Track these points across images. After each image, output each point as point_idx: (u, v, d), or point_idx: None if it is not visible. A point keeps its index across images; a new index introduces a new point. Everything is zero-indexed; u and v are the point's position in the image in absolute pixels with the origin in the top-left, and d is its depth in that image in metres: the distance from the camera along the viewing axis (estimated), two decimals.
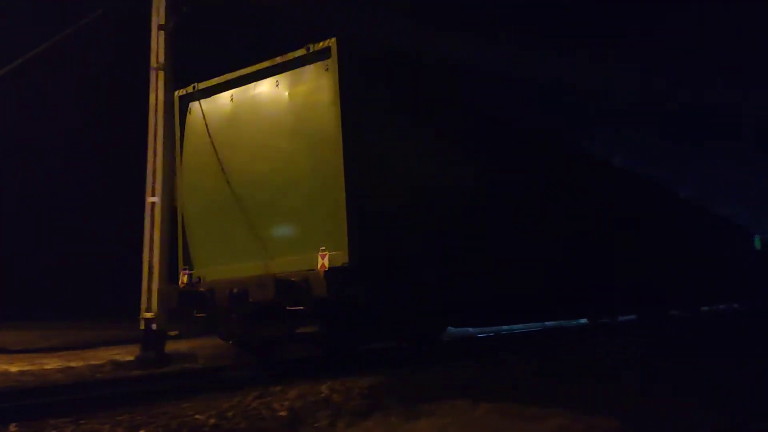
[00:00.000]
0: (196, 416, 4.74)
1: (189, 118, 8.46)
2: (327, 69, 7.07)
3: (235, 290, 6.96)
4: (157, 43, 9.41)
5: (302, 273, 6.76)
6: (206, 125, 8.18)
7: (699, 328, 15.49)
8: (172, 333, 9.77)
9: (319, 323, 6.89)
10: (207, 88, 8.33)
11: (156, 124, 9.23)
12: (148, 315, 8.77)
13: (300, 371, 6.71)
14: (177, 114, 8.62)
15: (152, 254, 8.95)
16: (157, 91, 9.27)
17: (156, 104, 9.25)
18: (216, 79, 8.24)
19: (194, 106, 8.43)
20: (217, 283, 7.47)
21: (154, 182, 9.14)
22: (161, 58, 9.32)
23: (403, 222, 7.52)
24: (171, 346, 9.62)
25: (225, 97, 8.11)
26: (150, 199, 9.13)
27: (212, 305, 7.38)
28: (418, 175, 7.86)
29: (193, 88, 8.44)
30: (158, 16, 9.44)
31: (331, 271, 6.57)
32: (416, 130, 8.10)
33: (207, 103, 8.29)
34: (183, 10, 9.44)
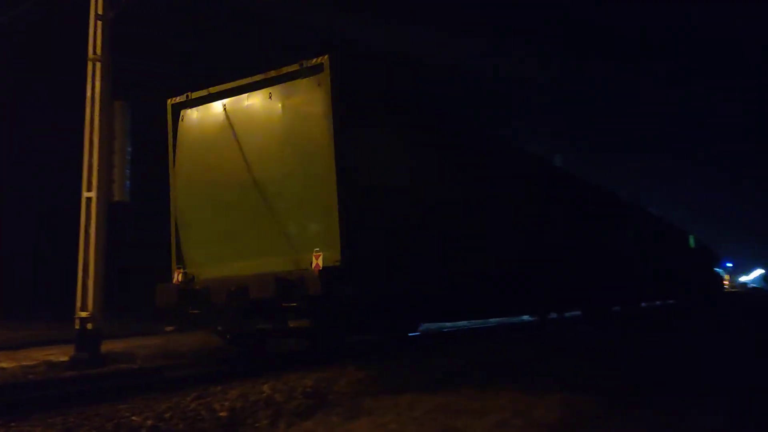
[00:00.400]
0: (133, 418, 4.61)
1: (181, 125, 8.81)
2: (319, 84, 7.60)
3: (234, 288, 7.34)
4: (95, 33, 9.08)
5: (297, 272, 7.20)
6: (199, 132, 8.67)
7: (637, 322, 16.20)
8: (169, 329, 10.35)
9: (311, 318, 7.45)
10: (200, 97, 8.72)
11: (92, 117, 8.92)
12: (83, 314, 8.47)
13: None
14: (170, 121, 8.93)
15: (88, 251, 8.65)
16: (94, 82, 8.96)
17: (93, 96, 8.95)
18: (209, 89, 8.63)
19: (186, 113, 8.81)
20: (212, 282, 7.87)
21: (90, 177, 8.84)
22: (98, 49, 9.01)
23: (386, 226, 8.09)
24: (107, 346, 9.34)
25: (218, 106, 8.52)
26: (86, 195, 8.82)
27: (208, 302, 7.72)
28: (400, 184, 8.49)
29: (186, 97, 8.80)
30: (96, 5, 9.11)
31: (325, 270, 7.07)
32: (400, 142, 8.74)
33: (200, 112, 8.70)
34: (123, 0, 9.17)
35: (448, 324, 12.84)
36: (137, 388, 5.93)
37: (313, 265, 7.16)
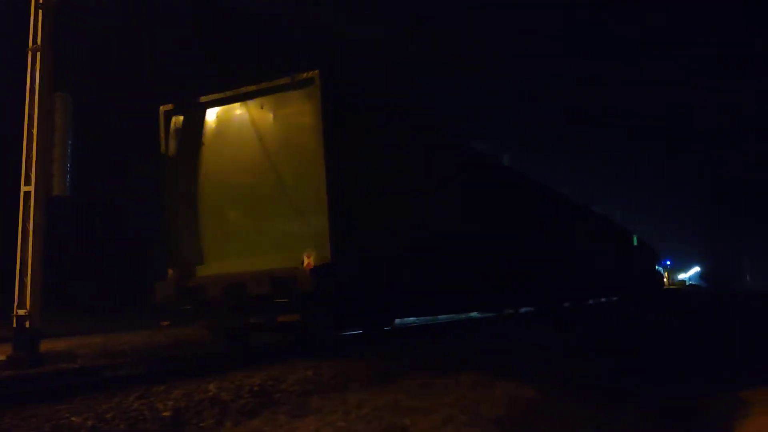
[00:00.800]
0: (72, 418, 4.47)
1: (172, 130, 9.17)
2: (310, 96, 8.15)
3: (230, 285, 7.83)
4: (36, 22, 8.77)
5: (291, 270, 7.69)
6: (191, 137, 9.09)
7: (583, 317, 16.80)
8: (164, 323, 10.80)
9: (301, 313, 7.90)
10: (193, 104, 9.15)
11: (32, 110, 8.62)
12: (21, 312, 8.20)
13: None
14: (161, 127, 9.27)
15: (26, 247, 8.36)
16: (34, 73, 8.66)
17: (32, 88, 8.64)
18: (202, 97, 9.10)
19: (179, 119, 9.18)
20: (207, 279, 8.34)
21: (29, 171, 8.54)
22: (39, 39, 8.70)
23: (371, 229, 8.76)
24: (48, 345, 9.07)
25: (211, 113, 8.98)
26: (24, 189, 8.52)
27: (202, 298, 8.20)
28: (383, 191, 9.19)
29: (179, 104, 9.26)
30: None
31: (316, 269, 7.61)
32: (382, 152, 9.41)
33: (192, 118, 9.10)
34: None
35: (412, 318, 13.33)
36: (78, 388, 5.75)
37: (305, 263, 7.67)
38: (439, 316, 14.27)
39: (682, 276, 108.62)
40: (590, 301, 24.87)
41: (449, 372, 6.22)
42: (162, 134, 9.26)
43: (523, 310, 16.80)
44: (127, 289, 18.23)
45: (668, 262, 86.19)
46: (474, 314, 15.79)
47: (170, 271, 8.81)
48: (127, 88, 21.37)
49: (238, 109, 8.81)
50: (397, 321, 10.83)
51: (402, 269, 9.38)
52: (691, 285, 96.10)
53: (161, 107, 9.34)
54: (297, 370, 6.12)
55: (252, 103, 8.68)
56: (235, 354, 8.47)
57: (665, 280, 73.84)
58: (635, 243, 37.60)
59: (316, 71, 8.21)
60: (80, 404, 4.94)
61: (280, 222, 8.27)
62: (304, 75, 8.28)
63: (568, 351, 9.00)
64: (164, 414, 4.59)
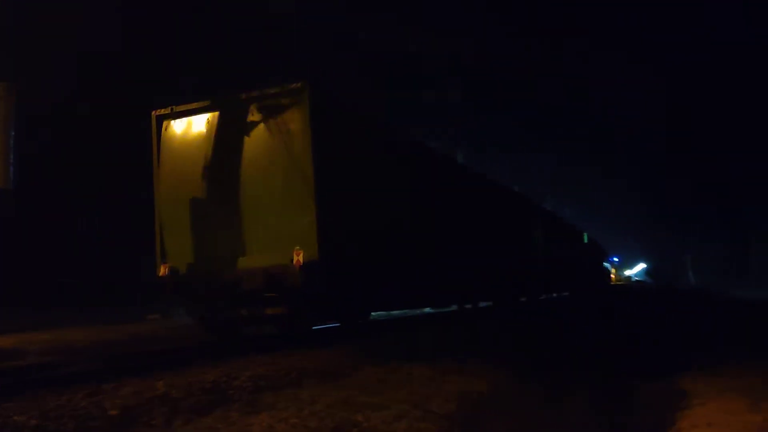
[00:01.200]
0: (15, 417, 4.34)
1: (164, 134, 9.56)
2: (299, 104, 8.73)
3: (224, 280, 8.44)
4: None
5: (281, 266, 8.23)
6: (184, 140, 9.52)
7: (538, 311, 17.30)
8: (152, 317, 11.30)
9: (288, 306, 8.57)
10: (184, 110, 9.54)
11: None
12: None
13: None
14: (153, 130, 9.64)
15: None
16: None
17: None
18: (193, 104, 9.51)
19: (171, 124, 9.57)
20: (198, 274, 8.85)
21: None
22: None
23: (354, 229, 9.39)
24: None
25: (201, 119, 9.37)
26: None
27: (193, 292, 8.86)
28: (362, 194, 9.86)
29: (171, 109, 9.57)
30: None
31: (304, 266, 8.14)
32: (363, 157, 10.07)
33: (184, 123, 9.49)
34: None
35: (382, 312, 13.82)
36: (23, 385, 5.58)
37: (295, 261, 8.16)
38: (407, 310, 14.91)
39: (628, 272, 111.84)
40: (544, 296, 25.85)
41: (404, 366, 6.29)
42: (154, 138, 9.63)
43: (482, 304, 17.46)
44: (93, 285, 18.16)
45: (616, 259, 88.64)
46: (447, 308, 16.39)
47: (164, 268, 9.12)
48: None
49: (228, 115, 9.25)
50: (373, 314, 11.42)
51: (378, 267, 10.03)
52: (636, 281, 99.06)
53: (153, 112, 9.68)
54: (251, 366, 6.09)
55: (243, 110, 9.14)
56: (191, 350, 8.41)
57: (612, 276, 75.91)
58: (585, 240, 38.87)
59: (305, 81, 8.86)
60: (25, 402, 4.79)
61: (269, 222, 8.72)
62: (293, 85, 8.90)
63: (519, 343, 9.19)
64: (112, 413, 4.49)
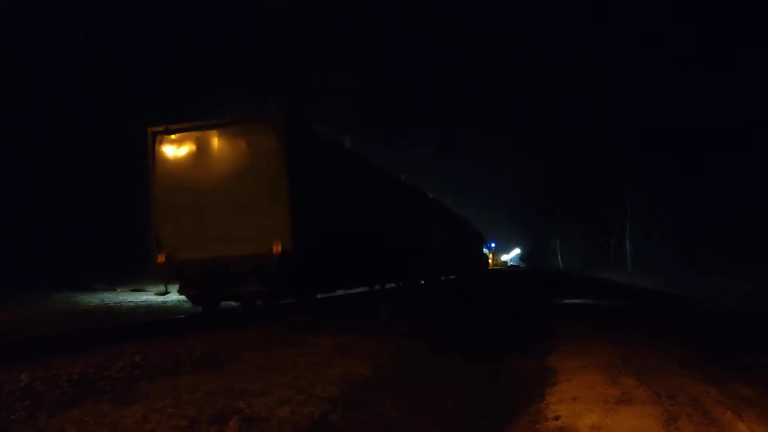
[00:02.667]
0: None
1: (158, 147, 11.31)
2: (275, 127, 10.77)
3: (214, 265, 10.40)
4: None
5: (261, 255, 10.26)
6: (176, 153, 11.31)
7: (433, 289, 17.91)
8: (160, 293, 13.63)
9: (265, 286, 10.53)
10: (176, 128, 11.32)
11: None
12: None
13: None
14: (150, 143, 11.32)
15: None
16: None
17: None
18: (184, 123, 11.35)
19: (164, 139, 11.31)
20: (191, 261, 10.66)
21: None
22: None
23: (317, 227, 11.65)
24: None
25: (191, 136, 11.21)
26: None
27: (188, 275, 10.81)
28: (321, 199, 12.11)
29: (165, 128, 11.33)
30: None
31: (280, 254, 10.29)
32: (325, 170, 12.59)
33: (176, 138, 11.27)
34: None
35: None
36: None
37: (274, 250, 10.25)
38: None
39: (504, 257, 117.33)
40: (442, 278, 29.08)
41: (289, 348, 6.24)
42: (150, 149, 11.32)
43: (387, 286, 19.43)
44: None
45: (493, 244, 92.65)
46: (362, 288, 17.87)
47: (160, 256, 10.92)
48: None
49: (213, 135, 11.11)
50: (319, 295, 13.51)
51: (328, 257, 12.22)
52: (512, 266, 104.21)
53: (149, 128, 11.43)
54: (123, 356, 5.77)
55: (226, 131, 11.09)
56: (63, 338, 8.06)
57: (490, 261, 79.36)
58: (470, 228, 41.31)
59: (279, 109, 11.17)
60: None
61: (251, 220, 10.55)
62: (271, 111, 11.25)
63: (407, 323, 9.36)
64: None
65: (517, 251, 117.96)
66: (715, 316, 14.22)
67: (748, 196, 39.73)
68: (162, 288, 12.66)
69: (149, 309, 14.13)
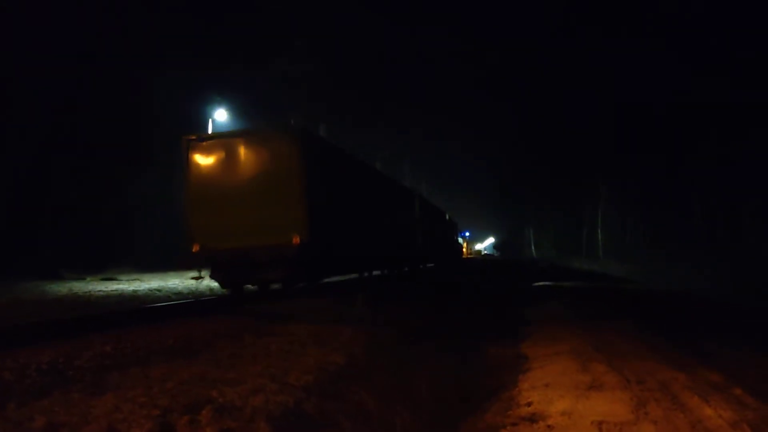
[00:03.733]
0: None
1: (192, 154, 12.97)
2: (292, 136, 12.76)
3: (242, 253, 12.15)
4: None
5: (283, 244, 12.00)
6: (207, 157, 13.03)
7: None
8: (195, 277, 14.87)
9: (285, 271, 12.39)
10: (206, 137, 13.57)
11: None
12: None
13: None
14: (184, 149, 13.04)
15: None
16: None
17: None
18: (213, 133, 14.19)
19: (197, 146, 13.02)
20: (223, 250, 12.37)
21: None
22: None
23: (328, 222, 13.42)
24: None
25: (219, 143, 13.02)
26: None
27: (219, 262, 12.60)
28: (340, 200, 14.63)
29: (197, 136, 13.31)
30: None
31: (299, 244, 12.04)
32: (334, 173, 14.76)
33: (207, 146, 13.01)
34: None
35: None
36: None
37: (294, 241, 12.02)
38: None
39: (478, 246, 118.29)
40: (421, 266, 31.14)
41: (263, 338, 6.21)
42: (184, 155, 13.00)
43: (374, 273, 21.22)
44: None
45: (467, 234, 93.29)
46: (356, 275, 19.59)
47: (195, 246, 12.64)
48: None
49: (240, 142, 12.88)
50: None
51: (333, 247, 14.02)
52: (485, 254, 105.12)
53: (183, 137, 13.17)
54: (93, 346, 5.69)
55: (252, 138, 12.97)
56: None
57: (464, 250, 79.93)
58: (446, 219, 42.08)
59: (296, 121, 14.63)
60: None
61: (271, 215, 12.22)
62: (288, 123, 13.88)
63: (386, 308, 9.37)
64: None
65: (491, 240, 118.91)
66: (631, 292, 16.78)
67: (719, 187, 40.45)
68: (196, 273, 14.05)
69: (120, 298, 13.95)
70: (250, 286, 13.61)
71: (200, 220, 12.75)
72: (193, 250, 12.71)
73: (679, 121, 41.24)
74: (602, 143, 48.90)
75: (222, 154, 12.86)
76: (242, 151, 12.76)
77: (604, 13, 51.25)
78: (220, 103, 27.57)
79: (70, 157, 27.06)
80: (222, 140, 13.11)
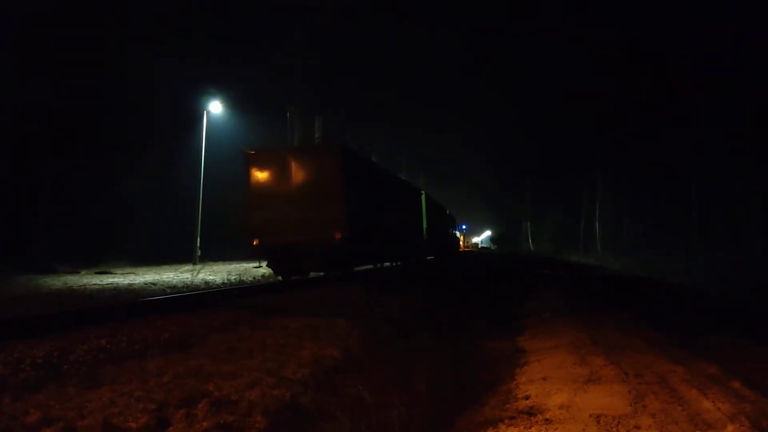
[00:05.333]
0: None
1: (252, 166, 15.47)
2: (334, 152, 15.51)
3: (294, 246, 14.74)
4: None
5: (327, 239, 14.50)
6: (264, 168, 15.60)
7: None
8: (257, 265, 18.36)
9: (330, 260, 14.97)
10: (263, 151, 16.11)
11: None
12: None
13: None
14: (245, 161, 15.55)
15: None
16: None
17: None
18: (267, 147, 17.48)
19: (256, 159, 15.60)
20: (277, 244, 14.99)
21: None
22: None
23: (362, 221, 16.13)
24: None
25: (274, 157, 15.75)
26: None
27: (274, 252, 15.29)
28: (368, 202, 17.51)
29: (255, 152, 15.85)
30: None
31: (340, 239, 14.49)
32: (371, 186, 18.46)
33: (263, 159, 15.67)
34: None
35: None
36: None
37: (337, 236, 14.46)
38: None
39: (475, 239, 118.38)
40: (426, 258, 33.56)
41: (259, 331, 6.17)
42: (246, 167, 15.50)
43: (386, 264, 23.90)
44: None
45: (464, 227, 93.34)
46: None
47: (255, 240, 15.11)
48: None
49: (292, 156, 15.69)
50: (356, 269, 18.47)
51: (364, 241, 16.57)
52: (482, 247, 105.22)
53: (244, 151, 15.85)
54: (88, 339, 5.64)
55: (301, 154, 16.10)
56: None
57: (461, 243, 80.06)
58: (447, 214, 43.05)
59: (338, 142, 18.41)
60: None
61: (317, 216, 14.69)
62: (332, 142, 18.27)
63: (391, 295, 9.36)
64: None
65: (487, 233, 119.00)
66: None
67: (716, 180, 40.47)
68: (256, 263, 17.22)
69: (115, 291, 13.89)
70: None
71: (259, 220, 15.23)
72: (254, 244, 15.34)
73: (676, 116, 41.27)
74: (600, 137, 48.85)
75: (276, 166, 15.52)
76: (293, 164, 15.48)
77: (602, 8, 51.17)
78: (214, 96, 27.42)
79: (64, 150, 26.90)
80: (275, 154, 15.91)
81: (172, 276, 18.34)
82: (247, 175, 15.52)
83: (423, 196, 31.80)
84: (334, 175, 15.05)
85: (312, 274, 16.33)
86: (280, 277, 15.94)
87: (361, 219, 16.15)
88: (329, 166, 15.19)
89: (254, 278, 18.36)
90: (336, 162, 15.21)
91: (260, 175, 15.56)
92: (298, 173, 15.38)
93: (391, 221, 21.92)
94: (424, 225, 30.88)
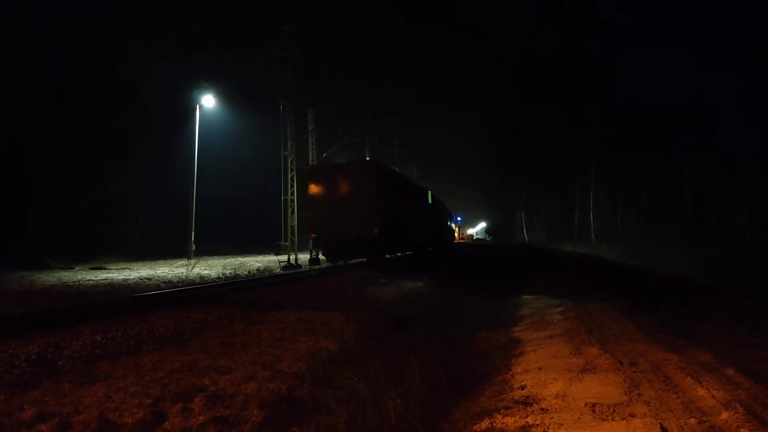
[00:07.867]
0: None
1: (310, 177, 20.80)
2: (371, 168, 21.11)
3: (340, 240, 19.91)
4: None
5: (366, 234, 19.33)
6: (316, 179, 20.91)
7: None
8: (314, 257, 22.89)
9: (369, 249, 20.43)
10: (316, 168, 22.24)
11: None
12: None
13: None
14: (306, 175, 21.32)
15: None
16: None
17: None
18: (320, 164, 24.10)
19: (312, 173, 21.07)
20: (328, 238, 20.24)
21: None
22: None
23: (391, 220, 21.17)
24: None
25: (325, 172, 21.10)
26: None
27: (326, 244, 20.85)
28: (393, 204, 22.64)
29: (310, 167, 22.17)
30: None
31: (376, 234, 19.45)
32: (395, 190, 23.70)
33: (318, 173, 21.04)
34: None
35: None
36: None
37: (374, 231, 19.13)
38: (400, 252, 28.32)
39: (470, 231, 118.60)
40: (430, 248, 38.45)
41: (254, 325, 6.17)
42: (306, 178, 20.85)
43: (406, 253, 29.78)
44: None
45: (459, 219, 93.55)
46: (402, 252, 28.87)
47: (313, 235, 20.54)
48: None
49: (339, 171, 20.69)
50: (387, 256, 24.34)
51: (393, 235, 21.18)
52: (477, 239, 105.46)
53: (303, 167, 21.81)
54: (83, 335, 5.63)
55: (346, 169, 20.78)
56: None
57: (456, 234, 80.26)
58: (445, 208, 44.19)
59: (373, 159, 28.36)
60: None
61: (358, 216, 19.19)
62: (369, 160, 27.38)
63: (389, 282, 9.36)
64: None
65: (482, 225, 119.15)
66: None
67: (707, 171, 40.61)
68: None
69: (110, 287, 13.84)
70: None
71: (315, 219, 20.34)
72: (311, 237, 21.01)
73: (673, 112, 41.36)
74: (594, 128, 48.91)
75: (326, 178, 20.61)
76: (339, 176, 20.51)
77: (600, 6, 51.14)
78: (207, 89, 27.29)
79: (56, 146, 26.75)
80: (326, 170, 21.30)
81: (166, 271, 18.31)
82: (306, 185, 20.90)
83: (429, 194, 36.89)
84: (371, 186, 19.97)
85: (312, 271, 18.65)
86: (329, 263, 21.32)
87: (390, 218, 21.07)
88: (367, 179, 20.17)
89: (249, 272, 18.32)
90: (373, 175, 20.34)
91: (315, 186, 20.59)
92: (343, 184, 20.37)
93: (407, 219, 26.87)
94: (429, 220, 35.98)
